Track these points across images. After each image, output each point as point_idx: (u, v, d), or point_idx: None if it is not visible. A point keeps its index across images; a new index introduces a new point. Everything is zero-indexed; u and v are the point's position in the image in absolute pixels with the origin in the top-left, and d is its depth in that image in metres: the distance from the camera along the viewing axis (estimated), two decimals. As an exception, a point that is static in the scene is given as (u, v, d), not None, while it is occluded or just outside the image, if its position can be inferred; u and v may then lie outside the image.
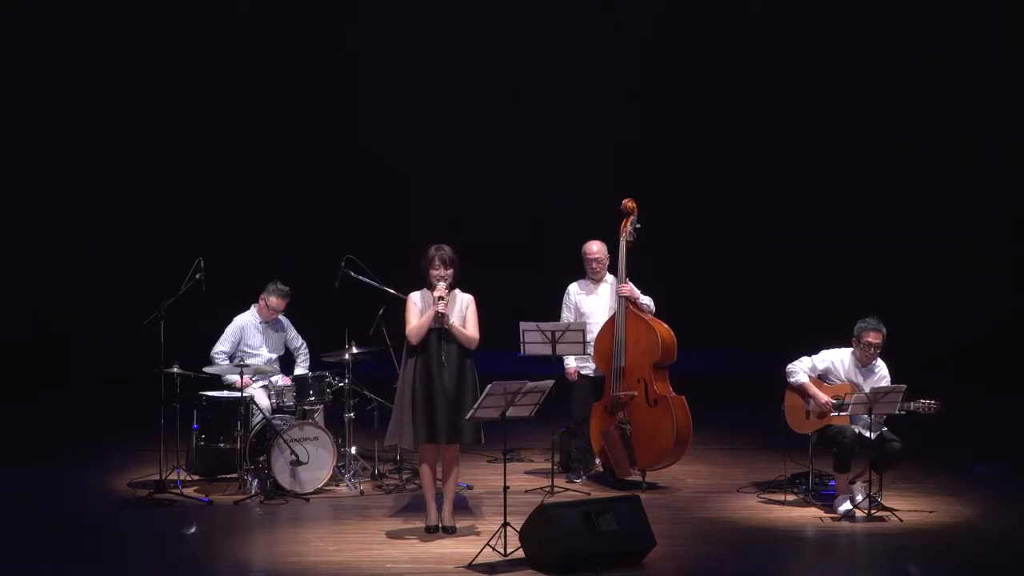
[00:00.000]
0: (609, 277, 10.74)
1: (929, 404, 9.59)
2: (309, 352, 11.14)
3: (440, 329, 9.01)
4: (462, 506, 9.77)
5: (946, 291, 15.87)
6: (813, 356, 10.01)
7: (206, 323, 11.14)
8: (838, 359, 9.94)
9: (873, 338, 9.78)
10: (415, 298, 9.12)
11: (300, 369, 10.97)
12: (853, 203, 16.20)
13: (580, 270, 10.85)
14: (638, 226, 10.49)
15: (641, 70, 16.27)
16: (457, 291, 9.14)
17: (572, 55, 16.22)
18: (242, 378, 10.25)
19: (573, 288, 10.83)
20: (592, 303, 10.75)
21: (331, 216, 16.22)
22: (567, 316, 10.76)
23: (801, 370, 9.95)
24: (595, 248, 10.73)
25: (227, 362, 10.63)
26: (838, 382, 9.90)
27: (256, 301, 10.92)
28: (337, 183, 16.29)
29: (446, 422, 8.96)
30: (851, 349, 9.92)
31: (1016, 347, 15.39)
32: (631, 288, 10.42)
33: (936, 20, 15.86)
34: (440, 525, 9.15)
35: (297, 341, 11.10)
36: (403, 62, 16.28)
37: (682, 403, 10.30)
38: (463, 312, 9.10)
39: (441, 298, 8.94)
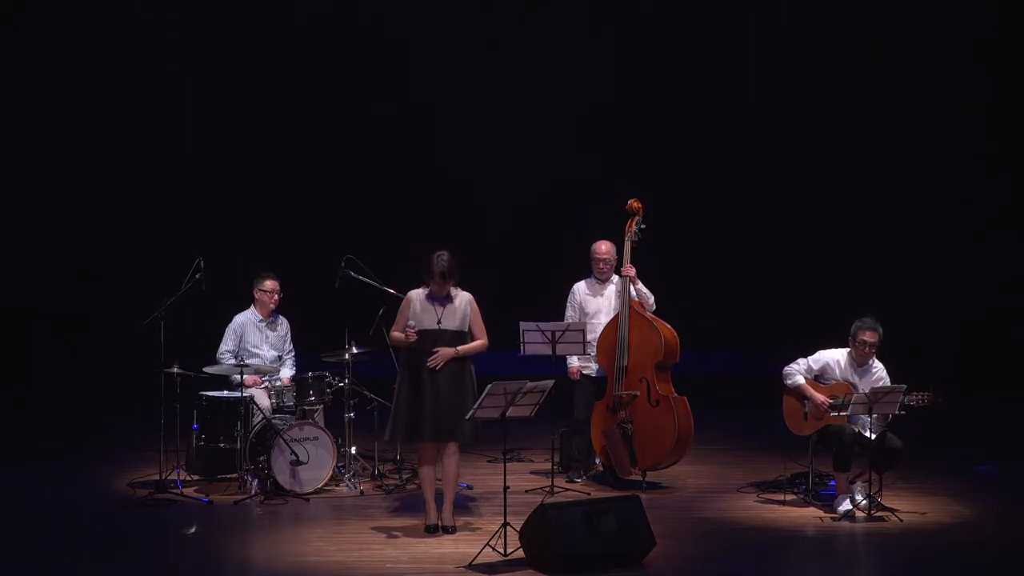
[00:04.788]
0: (615, 278, 10.74)
1: (923, 396, 9.59)
2: (300, 357, 11.08)
3: (437, 330, 9.02)
4: (462, 506, 9.77)
5: (946, 291, 15.86)
6: (808, 357, 10.01)
7: (206, 323, 11.14)
8: (834, 359, 9.94)
9: (869, 336, 9.78)
10: (412, 298, 9.12)
11: (285, 370, 10.94)
12: (852, 203, 16.21)
13: (582, 271, 10.85)
14: (643, 226, 10.51)
15: (641, 70, 16.26)
16: (456, 289, 9.14)
17: (573, 55, 16.22)
18: (242, 377, 10.24)
19: (580, 287, 10.84)
20: (597, 303, 10.75)
21: (332, 216, 16.22)
22: (571, 315, 10.76)
23: (797, 371, 9.95)
24: (604, 248, 10.73)
25: (233, 361, 10.61)
26: (834, 382, 9.90)
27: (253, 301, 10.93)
28: (338, 183, 16.29)
29: (433, 422, 8.96)
30: (847, 349, 9.92)
31: (1017, 346, 15.39)
32: (634, 269, 10.44)
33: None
34: (440, 525, 9.16)
35: (288, 345, 11.08)
36: (403, 62, 16.28)
37: (684, 404, 10.30)
38: (465, 314, 9.09)
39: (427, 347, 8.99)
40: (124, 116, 15.98)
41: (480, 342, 9.12)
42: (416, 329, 8.99)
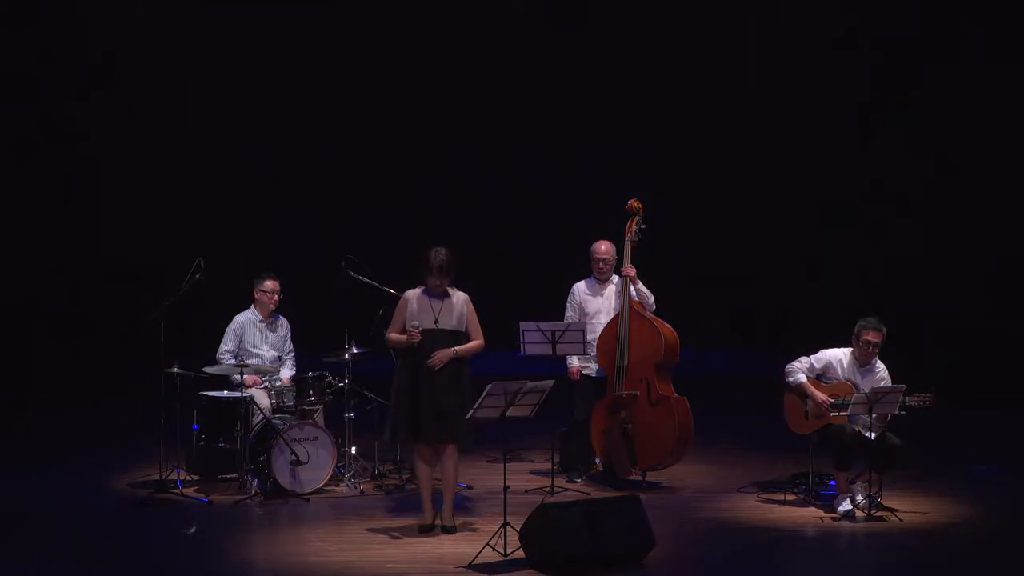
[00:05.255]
0: (615, 278, 10.74)
1: (924, 397, 9.59)
2: (300, 357, 11.07)
3: (434, 330, 9.01)
4: (462, 506, 9.77)
5: (946, 290, 15.86)
6: (811, 356, 10.01)
7: (206, 323, 11.15)
8: (836, 359, 9.94)
9: (872, 336, 9.78)
10: (408, 298, 9.11)
11: (285, 371, 10.94)
12: (851, 202, 16.22)
13: (582, 271, 10.85)
14: (643, 226, 10.51)
15: (642, 71, 16.27)
16: (452, 289, 9.13)
17: (573, 55, 16.23)
18: (242, 377, 10.23)
19: (580, 287, 10.84)
20: (597, 303, 10.75)
21: (332, 216, 16.23)
22: (571, 315, 10.76)
23: (799, 370, 9.95)
24: (603, 248, 10.73)
25: (233, 361, 10.61)
26: (836, 381, 9.90)
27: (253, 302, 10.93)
28: (338, 183, 16.30)
29: (433, 422, 8.96)
30: (850, 349, 9.93)
31: (1017, 346, 15.40)
32: (634, 269, 10.44)
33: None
34: (440, 525, 9.14)
35: (288, 345, 11.08)
36: (402, 61, 16.28)
37: (684, 404, 10.30)
38: (462, 314, 9.09)
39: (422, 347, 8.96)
40: (124, 116, 15.99)
41: (477, 342, 9.12)
42: (420, 328, 8.98)
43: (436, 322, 9.04)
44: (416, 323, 8.98)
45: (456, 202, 16.32)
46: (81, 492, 10.41)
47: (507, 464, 9.13)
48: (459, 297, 9.14)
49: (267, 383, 10.61)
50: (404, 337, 9.04)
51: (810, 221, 16.28)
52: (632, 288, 10.47)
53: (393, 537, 9.08)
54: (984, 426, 13.28)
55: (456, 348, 9.01)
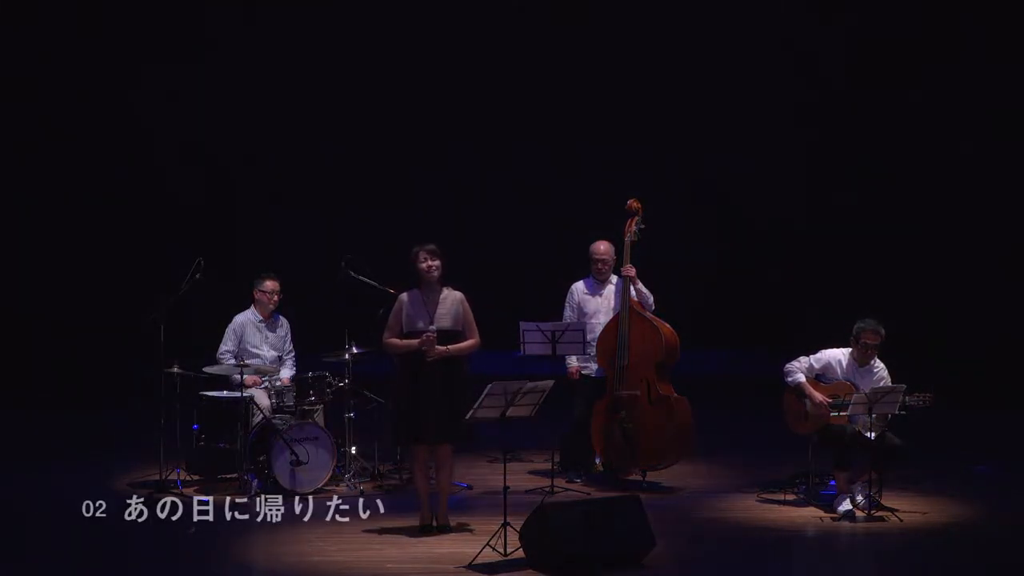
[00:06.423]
0: (614, 278, 10.74)
1: (925, 397, 9.60)
2: (300, 357, 11.08)
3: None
4: (462, 506, 9.76)
5: (945, 289, 15.86)
6: (811, 356, 10.02)
7: (206, 323, 11.15)
8: (836, 359, 9.95)
9: (871, 339, 9.79)
10: (403, 300, 9.10)
11: (285, 371, 10.94)
12: (851, 201, 16.21)
13: (582, 271, 10.85)
14: (643, 226, 10.52)
15: (642, 71, 16.27)
16: (447, 289, 9.12)
17: (573, 57, 16.23)
18: (242, 377, 10.22)
19: (578, 287, 10.84)
20: (596, 303, 10.75)
21: (332, 216, 16.23)
22: (569, 315, 10.76)
23: (798, 370, 9.95)
24: (602, 248, 10.73)
25: (233, 361, 10.61)
26: (836, 381, 9.90)
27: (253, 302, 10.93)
28: (338, 183, 16.30)
29: (434, 422, 8.95)
30: (850, 349, 9.93)
31: (1016, 346, 15.40)
32: (634, 269, 10.44)
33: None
34: (435, 524, 9.14)
35: (288, 346, 11.08)
36: (401, 60, 16.28)
37: (684, 404, 10.31)
38: (457, 313, 9.06)
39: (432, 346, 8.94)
40: (125, 116, 15.99)
41: (472, 341, 9.10)
42: (435, 330, 8.94)
43: (432, 322, 9.03)
44: (434, 326, 8.95)
45: (456, 202, 16.31)
46: (81, 492, 10.39)
47: (507, 464, 9.14)
48: (454, 296, 9.12)
49: (267, 383, 10.61)
50: (415, 342, 9.00)
51: (809, 220, 16.27)
52: (632, 288, 10.47)
53: (393, 537, 9.08)
54: (984, 426, 13.28)
55: (448, 347, 8.99)
